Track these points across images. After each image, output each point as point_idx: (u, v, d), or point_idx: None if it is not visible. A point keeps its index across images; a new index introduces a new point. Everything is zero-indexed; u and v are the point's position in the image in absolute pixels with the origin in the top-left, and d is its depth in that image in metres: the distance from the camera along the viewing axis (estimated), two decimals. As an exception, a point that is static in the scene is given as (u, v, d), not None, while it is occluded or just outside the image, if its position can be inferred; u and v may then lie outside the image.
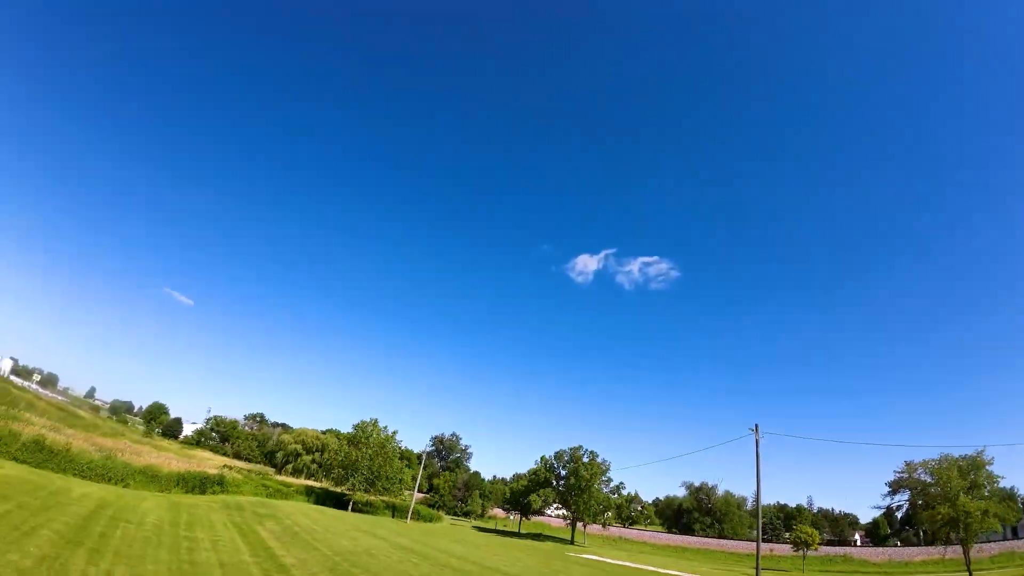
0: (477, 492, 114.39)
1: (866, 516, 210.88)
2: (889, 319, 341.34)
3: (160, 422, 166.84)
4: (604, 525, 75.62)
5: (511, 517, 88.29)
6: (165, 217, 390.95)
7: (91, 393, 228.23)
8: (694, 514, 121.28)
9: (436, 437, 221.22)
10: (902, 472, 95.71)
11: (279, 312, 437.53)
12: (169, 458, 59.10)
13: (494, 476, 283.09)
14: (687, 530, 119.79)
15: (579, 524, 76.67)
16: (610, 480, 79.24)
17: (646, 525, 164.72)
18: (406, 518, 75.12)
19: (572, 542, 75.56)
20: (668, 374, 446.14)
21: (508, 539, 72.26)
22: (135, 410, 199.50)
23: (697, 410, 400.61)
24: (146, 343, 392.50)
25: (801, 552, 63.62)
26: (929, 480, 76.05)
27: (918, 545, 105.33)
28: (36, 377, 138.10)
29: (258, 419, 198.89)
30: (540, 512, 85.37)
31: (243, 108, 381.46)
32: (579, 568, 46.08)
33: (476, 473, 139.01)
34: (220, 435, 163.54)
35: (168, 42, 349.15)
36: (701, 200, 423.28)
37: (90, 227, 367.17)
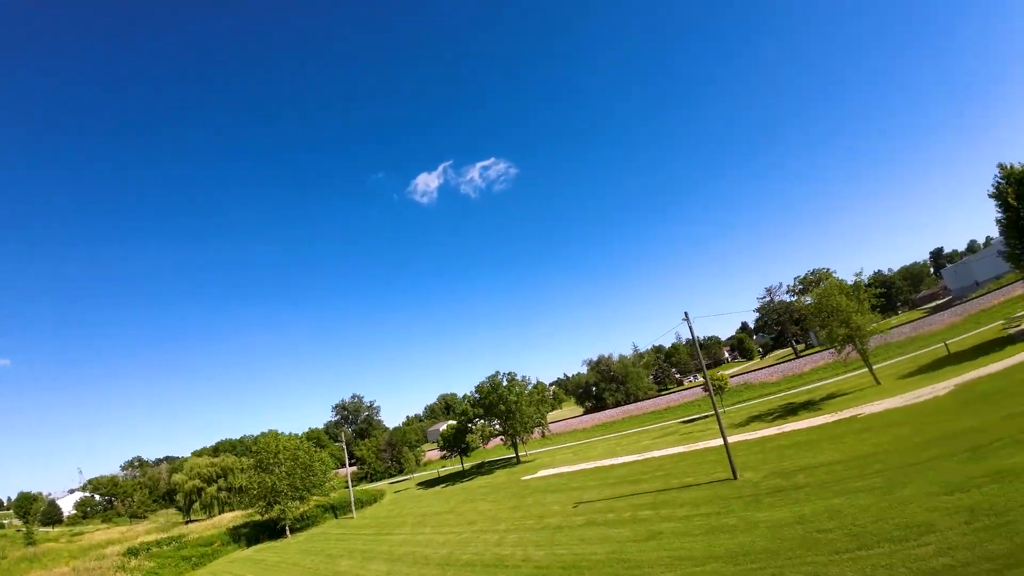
0: (405, 447, 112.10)
1: (725, 332, 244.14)
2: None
3: (35, 512, 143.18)
4: (543, 435, 77.57)
5: (448, 454, 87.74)
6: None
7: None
8: (601, 384, 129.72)
9: (337, 405, 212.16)
10: (765, 297, 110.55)
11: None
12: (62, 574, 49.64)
13: (407, 417, 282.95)
14: (600, 400, 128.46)
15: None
16: (534, 393, 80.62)
17: (561, 406, 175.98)
18: (350, 511, 71.44)
19: (518, 461, 76.89)
20: (543, 267, 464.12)
21: (461, 485, 71.75)
22: (5, 504, 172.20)
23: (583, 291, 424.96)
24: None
25: (719, 395, 69.84)
26: (792, 297, 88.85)
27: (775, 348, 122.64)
28: None
29: (137, 463, 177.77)
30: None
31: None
32: (553, 497, 46.38)
33: (397, 428, 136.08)
34: (105, 500, 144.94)
35: None
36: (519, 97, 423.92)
37: None
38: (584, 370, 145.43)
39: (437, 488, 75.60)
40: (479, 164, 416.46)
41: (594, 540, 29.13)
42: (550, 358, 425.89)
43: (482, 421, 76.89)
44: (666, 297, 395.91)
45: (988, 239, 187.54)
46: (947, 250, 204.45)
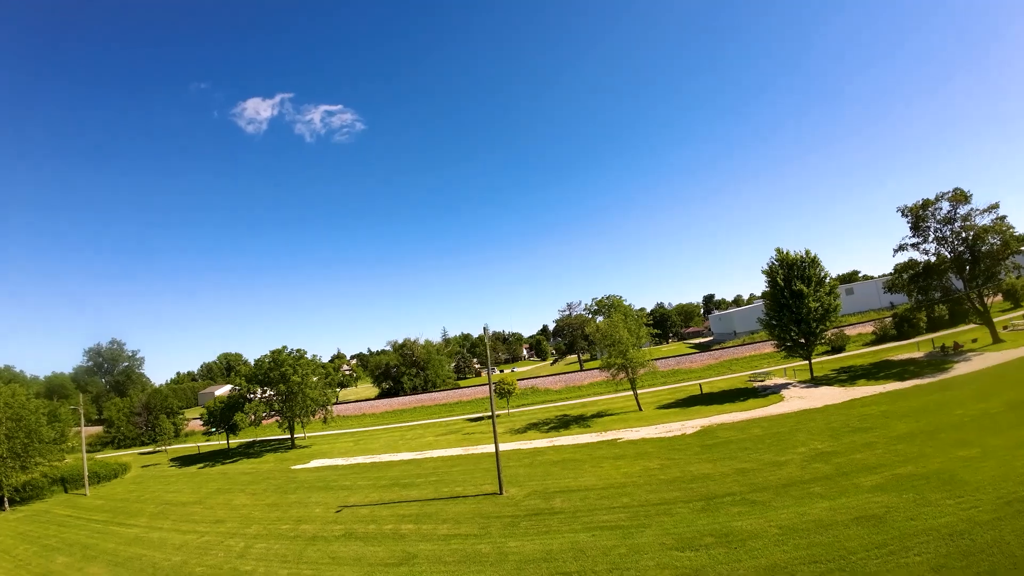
0: (163, 414, 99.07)
1: (528, 330, 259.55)
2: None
3: None
4: (326, 420, 73.43)
5: (214, 430, 79.15)
6: None
7: None
8: (401, 368, 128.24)
9: (91, 349, 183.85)
10: (565, 310, 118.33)
11: None
12: None
13: (178, 373, 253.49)
14: (398, 383, 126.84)
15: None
16: (325, 373, 76.35)
17: (357, 384, 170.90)
18: (83, 487, 61.16)
19: (293, 445, 72.09)
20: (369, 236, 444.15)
21: (221, 468, 65.04)
22: None
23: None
24: None
25: (505, 399, 72.55)
26: (587, 315, 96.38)
27: (567, 354, 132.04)
28: None
29: None
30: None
31: None
32: (318, 496, 43.62)
33: (158, 390, 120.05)
34: None
35: None
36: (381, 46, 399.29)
37: None
38: (389, 349, 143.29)
39: (193, 468, 67.62)
40: (323, 107, 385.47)
41: (346, 559, 27.37)
42: (355, 333, 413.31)
43: (257, 399, 70.44)
44: (487, 285, 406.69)
45: (752, 296, 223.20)
46: (717, 297, 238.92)
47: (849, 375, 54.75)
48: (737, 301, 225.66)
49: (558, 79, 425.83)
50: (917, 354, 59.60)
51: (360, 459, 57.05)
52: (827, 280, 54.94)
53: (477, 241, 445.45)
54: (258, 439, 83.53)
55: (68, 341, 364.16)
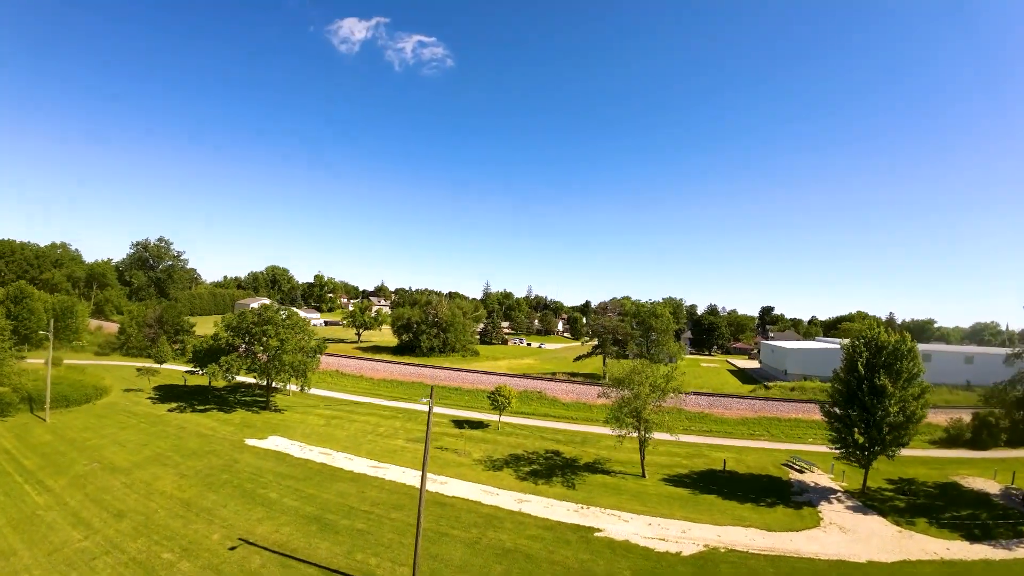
0: (164, 337, 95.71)
1: (570, 301, 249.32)
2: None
3: None
4: (302, 389, 67.12)
5: (197, 371, 73.69)
6: None
7: None
8: (422, 326, 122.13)
9: (138, 243, 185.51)
10: (599, 311, 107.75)
11: None
12: None
13: (225, 277, 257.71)
14: (416, 338, 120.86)
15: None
16: (313, 330, 69.99)
17: (381, 328, 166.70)
18: (49, 409, 58.09)
19: (267, 406, 66.50)
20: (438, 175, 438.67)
21: (185, 416, 60.30)
22: None
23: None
24: None
25: (498, 411, 64.14)
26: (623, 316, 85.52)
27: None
28: None
29: None
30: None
31: None
32: (233, 507, 37.10)
33: (171, 304, 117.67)
34: None
35: None
36: None
37: None
38: (423, 292, 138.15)
39: (162, 410, 62.94)
40: (417, 37, 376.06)
41: None
42: (404, 266, 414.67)
43: (236, 354, 64.60)
44: (546, 243, 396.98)
45: (814, 319, 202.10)
46: (777, 310, 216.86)
47: (908, 501, 42.94)
48: (796, 325, 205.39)
49: (682, 75, 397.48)
50: (992, 487, 47.16)
51: (314, 453, 50.72)
52: (919, 378, 42.51)
53: (547, 198, 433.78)
54: (244, 385, 78.60)
55: (139, 232, 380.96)
